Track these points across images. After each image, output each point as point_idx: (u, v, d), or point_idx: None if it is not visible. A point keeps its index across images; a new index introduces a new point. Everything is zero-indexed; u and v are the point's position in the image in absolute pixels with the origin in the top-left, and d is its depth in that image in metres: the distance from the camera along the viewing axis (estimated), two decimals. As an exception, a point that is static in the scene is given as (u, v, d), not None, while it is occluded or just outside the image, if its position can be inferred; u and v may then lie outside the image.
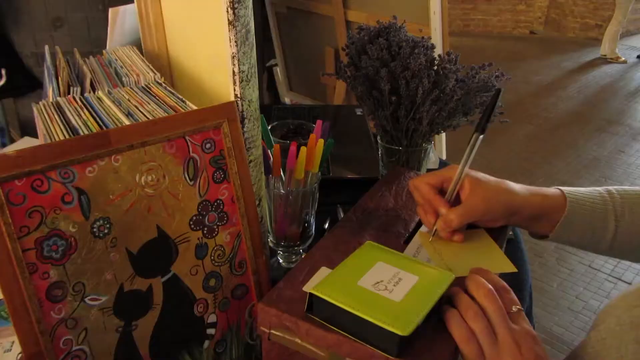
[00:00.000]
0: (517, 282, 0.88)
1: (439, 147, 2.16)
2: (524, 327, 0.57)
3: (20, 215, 0.50)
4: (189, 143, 0.59)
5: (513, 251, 0.94)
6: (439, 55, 0.81)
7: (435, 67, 0.79)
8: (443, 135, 2.13)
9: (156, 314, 0.59)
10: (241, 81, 0.60)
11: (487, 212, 0.68)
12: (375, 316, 0.53)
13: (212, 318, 0.63)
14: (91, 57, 0.87)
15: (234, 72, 0.59)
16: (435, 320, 0.57)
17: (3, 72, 1.62)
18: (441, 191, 0.71)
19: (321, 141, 0.73)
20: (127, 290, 0.57)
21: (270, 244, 0.82)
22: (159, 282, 0.58)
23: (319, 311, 0.57)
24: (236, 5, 0.56)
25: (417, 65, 0.76)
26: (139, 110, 0.64)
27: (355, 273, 0.59)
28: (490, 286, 0.58)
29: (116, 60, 0.82)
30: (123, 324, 0.57)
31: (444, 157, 2.20)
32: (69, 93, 0.74)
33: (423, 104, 0.80)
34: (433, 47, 0.82)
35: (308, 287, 0.57)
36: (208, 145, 0.60)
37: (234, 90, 0.60)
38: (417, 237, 0.72)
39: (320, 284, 0.57)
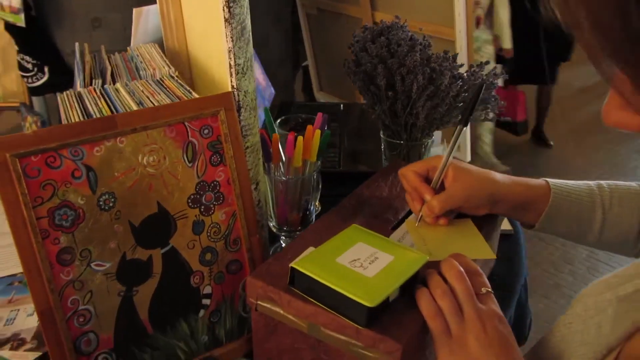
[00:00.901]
0: (510, 274, 0.91)
1: (464, 148, 2.18)
2: (491, 307, 0.60)
3: (35, 187, 0.57)
4: (188, 128, 0.65)
5: (510, 245, 0.97)
6: (436, 53, 0.84)
7: (432, 65, 0.83)
8: (467, 137, 2.15)
9: (155, 282, 0.65)
10: (237, 73, 0.66)
11: (468, 199, 0.72)
12: (347, 289, 0.57)
13: (207, 289, 0.69)
14: (116, 53, 0.95)
15: (230, 64, 0.65)
16: (408, 298, 0.62)
17: (46, 69, 1.75)
18: (428, 179, 0.75)
19: (318, 132, 0.78)
20: (129, 259, 0.63)
21: (273, 229, 0.88)
22: (159, 253, 0.65)
23: (300, 284, 0.62)
24: (231, 4, 0.62)
25: (412, 62, 0.81)
26: (149, 100, 0.70)
27: (335, 251, 0.64)
28: (460, 268, 0.62)
29: (137, 56, 0.90)
30: (125, 289, 0.63)
31: (468, 159, 2.21)
32: (91, 84, 0.81)
33: (418, 99, 0.84)
34: (429, 45, 0.85)
35: (292, 263, 0.62)
36: (206, 131, 0.66)
37: (231, 81, 0.66)
38: (405, 224, 0.76)
39: (301, 259, 0.62)
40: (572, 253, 2.57)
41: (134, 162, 0.62)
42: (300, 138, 0.77)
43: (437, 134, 1.32)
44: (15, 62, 1.92)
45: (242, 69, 0.66)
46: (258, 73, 1.37)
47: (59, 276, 0.59)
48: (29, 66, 1.83)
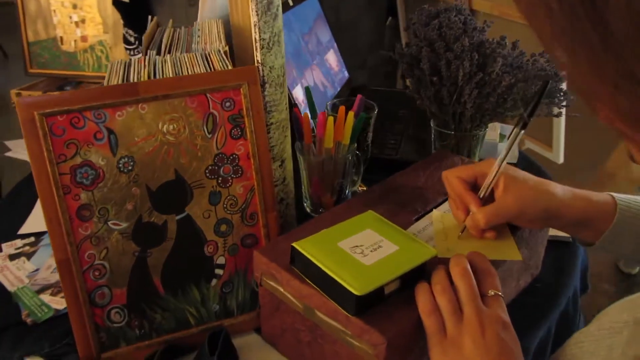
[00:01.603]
0: (557, 284, 0.83)
1: (557, 146, 2.02)
2: (495, 311, 0.56)
3: (60, 145, 0.61)
4: (210, 100, 0.66)
5: (564, 254, 0.89)
6: (490, 39, 0.79)
7: (484, 50, 0.78)
8: (562, 134, 1.99)
9: (169, 247, 0.67)
10: (262, 48, 0.66)
11: (520, 214, 0.65)
12: (339, 274, 0.56)
13: (220, 260, 0.70)
14: (182, 27, 0.98)
15: (255, 39, 0.65)
16: (409, 292, 0.59)
17: (145, 43, 1.86)
18: (475, 186, 0.68)
19: (351, 114, 0.76)
20: (145, 222, 0.66)
21: (307, 210, 0.87)
22: (174, 219, 0.67)
23: (299, 264, 0.61)
24: (256, -22, 0.61)
25: (459, 46, 0.76)
26: (188, 72, 0.72)
27: (340, 235, 0.62)
28: (467, 266, 0.57)
29: (199, 30, 0.92)
30: (139, 250, 0.66)
31: (560, 160, 2.05)
32: (146, 54, 0.85)
33: (465, 87, 0.78)
34: (483, 30, 0.79)
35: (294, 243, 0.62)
36: (228, 104, 0.67)
37: (256, 56, 0.66)
38: (430, 215, 0.72)
39: (304, 240, 0.62)
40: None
41: (154, 128, 0.64)
42: (330, 119, 0.75)
43: (509, 129, 1.23)
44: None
45: (268, 44, 0.66)
46: (332, 57, 1.37)
47: (77, 230, 0.63)
48: (132, 39, 1.96)
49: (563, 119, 1.94)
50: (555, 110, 0.87)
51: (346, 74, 1.46)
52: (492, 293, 0.57)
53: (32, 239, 0.92)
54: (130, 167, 0.64)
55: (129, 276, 0.66)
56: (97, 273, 0.65)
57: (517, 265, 0.75)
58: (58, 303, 0.77)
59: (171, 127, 0.65)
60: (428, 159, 0.86)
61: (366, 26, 2.17)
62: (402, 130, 1.23)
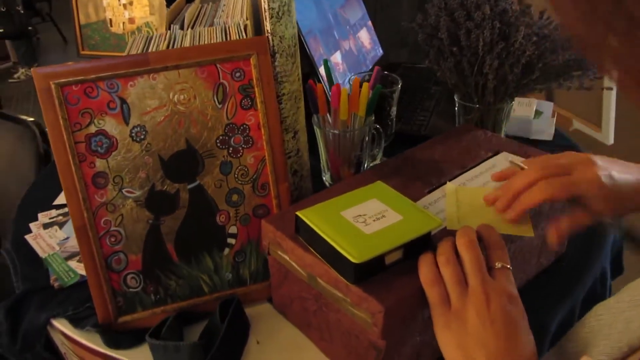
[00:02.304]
0: (582, 264, 0.80)
1: (606, 127, 1.93)
2: (502, 284, 0.54)
3: (75, 114, 0.63)
4: (220, 70, 0.67)
5: (592, 234, 0.85)
6: (512, 7, 0.75)
7: (507, 18, 0.74)
8: (612, 113, 1.89)
9: (181, 215, 0.69)
10: (271, 17, 0.66)
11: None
12: (339, 242, 0.56)
13: (232, 229, 0.71)
14: (210, 2, 0.99)
15: (264, 8, 0.65)
16: (412, 262, 0.58)
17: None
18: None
19: (366, 86, 0.75)
20: (158, 190, 0.68)
21: (326, 183, 0.87)
22: (185, 188, 0.68)
23: (303, 233, 0.61)
24: (263, -55, 0.61)
25: (480, 15, 0.73)
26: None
27: (345, 204, 0.62)
28: (473, 237, 0.56)
29: (224, 5, 0.93)
30: (153, 217, 0.68)
31: (610, 141, 1.95)
32: (169, 29, 0.87)
33: (486, 57, 0.76)
34: (506, -3, 0.76)
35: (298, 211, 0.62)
36: (238, 74, 0.67)
37: (265, 25, 0.66)
38: (443, 188, 0.70)
39: (308, 209, 0.62)
40: None
41: (165, 98, 0.66)
42: (344, 90, 0.75)
43: (547, 106, 1.18)
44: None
45: (277, 13, 0.66)
46: (365, 35, 1.35)
47: (93, 197, 0.66)
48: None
49: (613, 97, 1.85)
50: (587, 82, 0.83)
51: (380, 51, 1.44)
52: (500, 265, 0.55)
53: (66, 209, 0.96)
54: (142, 137, 0.66)
55: (144, 243, 0.69)
56: (113, 239, 0.67)
57: (536, 241, 0.72)
58: (83, 269, 0.80)
59: (182, 97, 0.66)
60: (448, 133, 0.84)
61: (407, 3, 2.13)
62: (432, 107, 1.21)
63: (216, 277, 0.72)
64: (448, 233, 0.61)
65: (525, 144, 0.80)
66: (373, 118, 0.80)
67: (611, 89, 0.81)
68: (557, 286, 0.76)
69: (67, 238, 0.88)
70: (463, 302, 0.53)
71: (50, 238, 0.88)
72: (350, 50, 1.21)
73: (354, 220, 0.59)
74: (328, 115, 0.79)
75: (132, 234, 0.68)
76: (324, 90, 0.76)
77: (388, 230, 0.57)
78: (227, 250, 0.72)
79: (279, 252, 0.65)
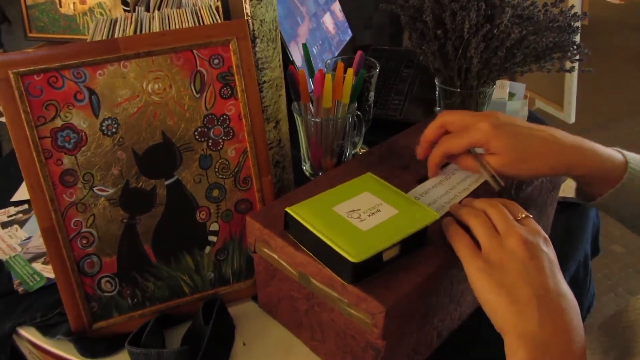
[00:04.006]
0: (566, 248, 0.80)
1: (568, 106, 1.96)
2: (533, 226, 0.52)
3: (38, 106, 0.58)
4: (197, 57, 0.62)
5: (574, 216, 0.85)
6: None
7: (493, 1, 0.72)
8: (573, 93, 1.93)
9: (159, 213, 0.64)
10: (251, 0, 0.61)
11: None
12: (334, 240, 0.53)
13: (214, 226, 0.67)
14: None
15: (244, -11, 0.60)
16: (409, 258, 0.55)
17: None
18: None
19: (350, 71, 0.72)
20: (132, 187, 0.63)
21: (307, 173, 0.84)
22: (163, 185, 0.64)
23: (293, 230, 0.58)
24: None
25: (465, -5, 0.70)
26: (176, 28, 0.68)
27: (336, 199, 0.59)
28: (488, 200, 0.55)
29: (191, -15, 0.87)
30: (128, 217, 0.63)
31: (571, 120, 1.99)
32: (134, 11, 0.81)
33: (471, 40, 0.73)
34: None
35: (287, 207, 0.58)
36: (216, 61, 0.63)
37: (245, 9, 0.62)
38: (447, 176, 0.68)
39: (298, 204, 0.58)
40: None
41: (138, 88, 0.61)
42: (328, 76, 0.71)
43: (520, 88, 1.18)
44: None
45: (258, -5, 0.61)
46: (329, 20, 1.31)
47: (62, 197, 0.60)
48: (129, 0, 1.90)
49: (575, 77, 1.88)
50: (568, 64, 0.82)
51: (349, 32, 1.40)
52: (523, 215, 0.53)
53: (26, 206, 0.90)
54: (114, 130, 0.61)
55: (118, 244, 0.64)
56: (84, 241, 0.62)
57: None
58: (50, 272, 0.75)
59: (156, 86, 0.61)
60: (430, 119, 0.82)
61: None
62: (406, 90, 1.19)
63: (197, 277, 0.68)
64: (440, 225, 0.59)
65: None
66: (356, 105, 0.77)
67: (591, 71, 0.80)
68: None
69: (29, 238, 0.82)
70: (498, 244, 0.50)
71: (10, 238, 0.82)
72: (316, 35, 1.17)
73: (348, 215, 0.56)
74: (310, 103, 0.75)
75: (105, 235, 0.63)
76: (306, 77, 0.72)
77: (385, 225, 0.55)
78: (208, 249, 0.68)
79: (266, 250, 0.61)
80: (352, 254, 0.51)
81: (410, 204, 0.58)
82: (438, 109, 0.89)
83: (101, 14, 1.63)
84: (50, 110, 0.58)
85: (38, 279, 0.74)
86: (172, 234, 0.66)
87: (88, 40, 0.69)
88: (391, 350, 0.55)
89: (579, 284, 0.83)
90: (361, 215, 0.56)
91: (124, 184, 0.62)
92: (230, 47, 0.62)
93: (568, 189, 0.87)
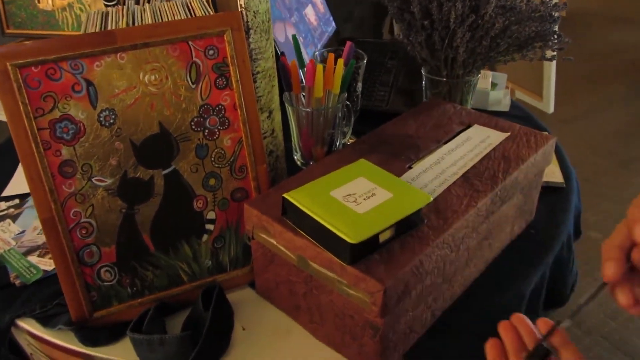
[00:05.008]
0: (550, 229, 0.83)
1: (547, 96, 2.00)
2: None
3: (36, 98, 0.58)
4: (192, 48, 0.63)
5: (557, 199, 0.88)
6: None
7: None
8: (552, 83, 1.97)
9: (157, 202, 0.65)
10: (245, -9, 0.62)
11: None
12: (332, 223, 0.54)
13: (211, 215, 0.69)
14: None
15: (237, -19, 0.62)
16: (403, 239, 0.57)
17: None
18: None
19: (340, 61, 0.74)
20: (130, 177, 0.64)
21: (298, 163, 0.85)
22: (160, 174, 0.65)
23: (291, 215, 0.60)
24: None
25: (451, -14, 0.73)
26: (169, 20, 0.69)
27: (332, 184, 0.60)
28: None
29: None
30: (126, 207, 0.64)
31: (550, 110, 2.04)
32: (124, 4, 0.81)
33: (457, 30, 0.76)
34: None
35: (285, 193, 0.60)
36: (211, 52, 0.64)
37: (239, 0, 0.63)
38: (424, 162, 0.70)
39: (295, 190, 0.60)
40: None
41: (135, 79, 0.61)
42: (319, 67, 0.73)
43: (502, 77, 1.21)
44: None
45: (251, -14, 0.63)
46: (311, 12, 1.32)
47: (61, 188, 0.61)
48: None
49: (554, 68, 1.92)
50: (549, 53, 0.85)
51: (332, 24, 1.42)
52: None
53: (17, 200, 0.90)
54: (111, 121, 0.62)
55: (117, 234, 0.65)
56: (84, 231, 0.63)
57: (512, 210, 0.74)
58: (46, 264, 0.76)
59: (153, 77, 0.62)
60: (418, 108, 0.84)
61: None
62: (391, 81, 1.21)
63: (195, 265, 0.69)
64: (434, 208, 0.61)
65: (492, 116, 0.81)
66: (346, 95, 0.79)
67: (571, 59, 0.83)
68: (528, 253, 0.79)
69: (23, 232, 0.82)
70: None
71: (4, 233, 0.82)
72: (299, 27, 1.19)
73: (344, 200, 0.58)
74: (302, 93, 0.77)
75: (104, 225, 0.64)
76: (297, 68, 0.74)
77: (380, 208, 0.57)
78: (205, 237, 0.69)
79: (264, 236, 0.63)
80: (350, 236, 0.53)
81: (403, 187, 0.60)
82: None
83: (81, 9, 1.62)
84: (48, 101, 0.59)
85: (35, 272, 0.74)
86: (170, 223, 0.67)
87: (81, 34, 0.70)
88: (389, 328, 0.57)
89: (562, 264, 0.86)
90: (357, 199, 0.58)
91: (122, 174, 0.63)
92: (225, 38, 0.64)
93: (551, 173, 0.90)
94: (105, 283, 0.66)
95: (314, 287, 0.61)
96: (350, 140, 0.98)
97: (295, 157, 0.85)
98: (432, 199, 0.59)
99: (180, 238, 0.68)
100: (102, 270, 0.65)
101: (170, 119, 0.64)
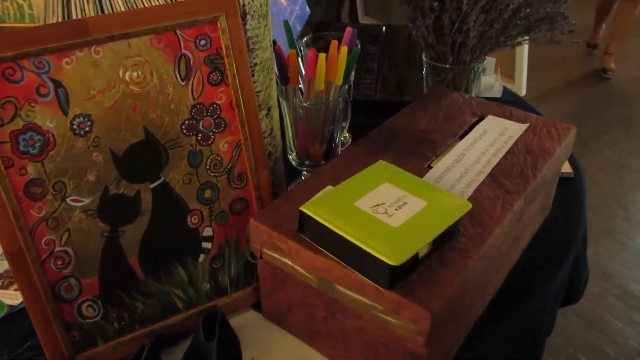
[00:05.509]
0: (569, 224, 0.77)
1: (519, 80, 1.98)
2: None
3: (-8, 105, 0.47)
4: (181, 38, 0.53)
5: (570, 190, 0.83)
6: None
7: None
8: (524, 66, 1.94)
9: (145, 222, 0.56)
10: (241, -31, 0.53)
11: None
12: (366, 241, 0.46)
13: (207, 231, 0.59)
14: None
15: (232, -42, 0.52)
16: (441, 253, 0.50)
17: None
18: None
19: (344, 49, 0.65)
20: (113, 194, 0.54)
21: (293, 163, 0.77)
22: (148, 188, 0.55)
23: (310, 232, 0.51)
24: None
25: (464, -38, 0.65)
26: (144, 5, 0.59)
27: (355, 193, 0.52)
28: None
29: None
30: (109, 229, 0.54)
31: (523, 93, 2.01)
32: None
33: (470, 12, 0.68)
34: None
35: (302, 206, 0.52)
36: (203, 42, 0.54)
37: (233, -21, 0.53)
38: (445, 159, 0.63)
39: (312, 201, 0.51)
40: (627, 198, 2.37)
41: (114, 77, 0.51)
42: (322, 56, 0.64)
43: (490, 62, 1.15)
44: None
45: (247, -37, 0.53)
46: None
47: (29, 212, 0.51)
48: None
49: (525, 51, 1.89)
50: (559, 35, 0.79)
51: (306, 9, 1.32)
52: None
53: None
54: (87, 129, 0.51)
55: (100, 261, 0.55)
56: (59, 262, 0.53)
57: (536, 209, 0.68)
58: (12, 297, 0.65)
59: (135, 74, 0.52)
60: (425, 98, 0.77)
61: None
62: (376, 69, 1.13)
63: (192, 290, 0.60)
64: (468, 214, 0.54)
65: (504, 105, 0.75)
66: (347, 87, 0.71)
67: (563, 41, 0.77)
68: (551, 250, 0.73)
69: (-22, 258, 0.70)
70: None
71: (-45, 261, 0.70)
72: (273, 10, 1.09)
73: (373, 211, 0.50)
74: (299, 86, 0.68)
75: (83, 252, 0.54)
76: (296, 58, 0.65)
77: (416, 220, 0.49)
78: (202, 257, 0.60)
79: (277, 256, 0.54)
80: (390, 256, 0.45)
81: (436, 193, 0.53)
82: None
83: (23, -1, 1.47)
84: (8, 109, 0.48)
85: (-3, 307, 0.63)
86: (161, 244, 0.57)
87: (39, 24, 0.59)
88: (430, 357, 0.50)
89: (579, 258, 0.81)
90: (388, 210, 0.50)
91: (103, 191, 0.53)
92: (219, 25, 0.54)
93: (562, 163, 0.85)
94: (88, 320, 0.55)
95: (337, 312, 0.53)
96: (345, 136, 0.90)
97: (290, 158, 0.77)
98: (471, 205, 0.52)
99: (173, 260, 0.58)
100: (84, 305, 0.55)
101: (157, 123, 0.54)
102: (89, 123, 0.51)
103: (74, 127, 0.51)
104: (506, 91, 1.14)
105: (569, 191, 0.83)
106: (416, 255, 0.47)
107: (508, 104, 1.06)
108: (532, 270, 0.69)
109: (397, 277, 0.46)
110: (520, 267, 0.69)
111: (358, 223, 0.48)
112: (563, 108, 2.78)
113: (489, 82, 1.09)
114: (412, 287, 0.47)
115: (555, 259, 0.72)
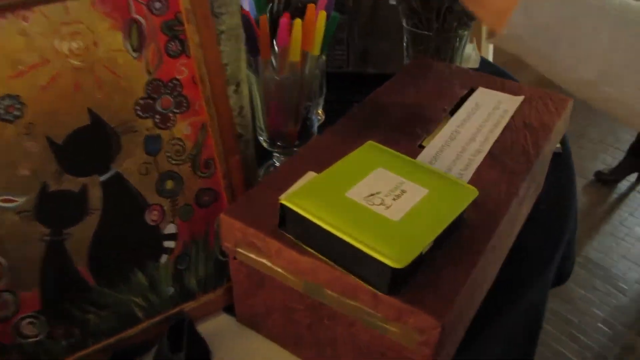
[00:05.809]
0: (561, 205, 0.72)
1: (485, 50, 1.93)
2: None
3: None
4: (131, 0, 0.44)
5: (560, 167, 0.78)
6: None
7: None
8: (490, 54, 1.89)
9: (94, 222, 0.47)
10: None
11: None
12: (362, 239, 0.39)
13: (170, 228, 0.51)
14: None
15: None
16: (448, 247, 0.44)
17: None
18: None
19: (323, 14, 0.57)
20: (53, 191, 0.44)
21: (264, 144, 0.69)
22: (97, 182, 0.46)
23: (293, 228, 0.44)
24: None
25: None
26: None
27: (345, 181, 0.45)
28: None
29: None
30: (49, 232, 0.45)
31: (490, 59, 1.97)
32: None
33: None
34: None
35: (282, 198, 0.44)
36: (158, 5, 0.45)
37: None
38: (439, 136, 0.56)
39: (294, 191, 0.44)
40: (589, 168, 2.39)
41: (48, 49, 0.42)
42: (297, 22, 0.56)
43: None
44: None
45: None
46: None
47: (-54, 216, 0.41)
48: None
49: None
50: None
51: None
52: None
53: None
54: (17, 113, 0.42)
55: (40, 271, 0.46)
56: (-11, 274, 0.44)
57: (533, 189, 0.62)
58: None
59: (75, 45, 0.42)
60: (408, 70, 0.69)
61: None
62: (346, 39, 1.05)
63: (153, 296, 0.52)
64: (479, 204, 0.47)
65: (495, 76, 0.69)
66: (324, 58, 0.63)
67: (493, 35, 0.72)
68: (546, 232, 0.68)
69: None
70: None
71: None
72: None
73: (368, 202, 0.43)
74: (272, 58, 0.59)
75: (19, 261, 0.45)
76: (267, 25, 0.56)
77: (418, 211, 0.42)
78: (164, 258, 0.52)
79: (253, 256, 0.47)
80: (393, 257, 0.38)
81: (437, 178, 0.46)
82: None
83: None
84: None
85: None
86: (115, 246, 0.48)
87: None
88: (435, 366, 0.43)
89: (570, 240, 0.76)
90: (384, 200, 0.43)
91: (41, 188, 0.44)
92: (176, -17, 0.45)
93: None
94: (30, 339, 0.47)
95: (325, 317, 0.46)
96: (318, 113, 0.82)
97: (261, 139, 0.69)
98: (477, 192, 0.45)
99: (130, 264, 0.50)
100: (23, 322, 0.46)
101: (104, 104, 0.45)
102: (18, 106, 0.41)
103: (0, 111, 0.41)
104: (482, 60, 1.08)
105: (561, 168, 0.78)
106: (420, 254, 0.40)
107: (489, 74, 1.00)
108: (527, 256, 0.64)
109: (399, 281, 0.39)
110: (515, 252, 0.64)
111: (351, 217, 0.41)
112: (532, 75, 2.77)
113: (468, 51, 1.03)
114: (416, 291, 0.40)
115: (551, 241, 0.67)
